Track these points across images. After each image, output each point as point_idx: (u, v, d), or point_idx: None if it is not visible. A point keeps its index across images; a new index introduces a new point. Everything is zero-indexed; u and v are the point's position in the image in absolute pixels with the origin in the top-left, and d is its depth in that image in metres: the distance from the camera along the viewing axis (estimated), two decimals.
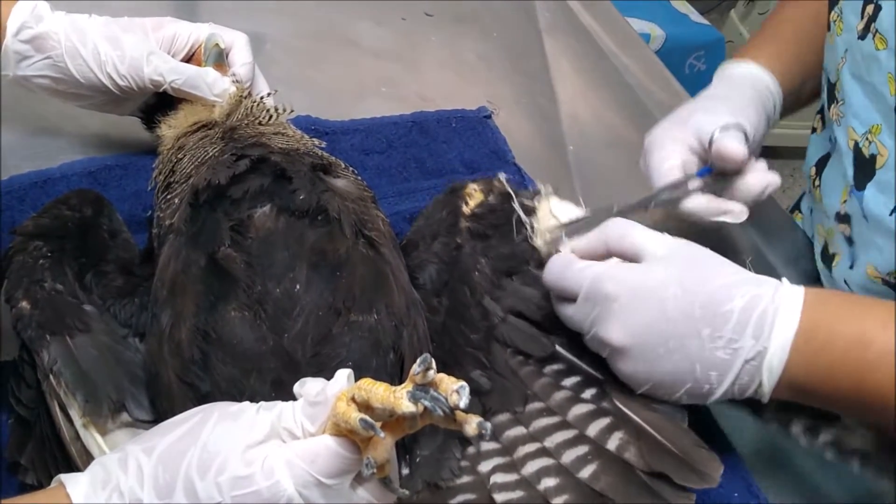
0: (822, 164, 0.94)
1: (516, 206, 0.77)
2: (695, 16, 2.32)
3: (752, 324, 0.63)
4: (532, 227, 0.76)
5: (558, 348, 0.72)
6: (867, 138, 0.82)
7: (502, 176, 0.80)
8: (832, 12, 0.87)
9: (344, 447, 0.50)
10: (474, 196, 0.79)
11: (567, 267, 0.68)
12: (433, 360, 0.48)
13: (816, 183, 0.95)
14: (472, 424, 0.49)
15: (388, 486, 0.52)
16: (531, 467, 0.66)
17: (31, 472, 0.63)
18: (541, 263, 0.74)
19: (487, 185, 0.80)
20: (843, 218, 0.87)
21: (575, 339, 0.71)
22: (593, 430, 0.67)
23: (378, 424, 0.48)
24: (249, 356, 0.62)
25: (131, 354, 0.67)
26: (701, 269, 0.66)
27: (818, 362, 0.63)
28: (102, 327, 0.67)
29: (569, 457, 0.66)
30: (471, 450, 0.67)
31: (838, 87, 0.86)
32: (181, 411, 0.54)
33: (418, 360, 0.48)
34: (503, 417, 0.68)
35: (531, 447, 0.67)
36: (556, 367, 0.71)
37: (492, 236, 0.77)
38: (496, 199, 0.79)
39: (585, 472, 0.65)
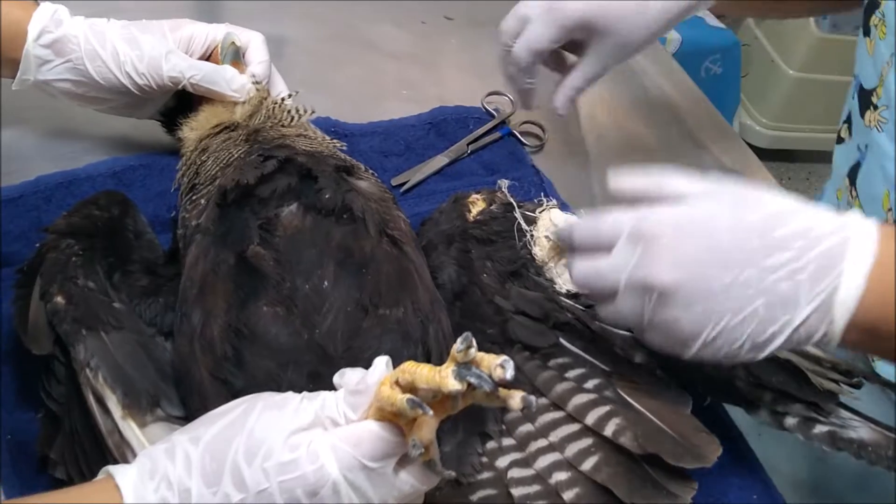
0: (854, 174, 0.92)
1: (517, 215, 0.78)
2: (711, 19, 2.31)
3: (817, 252, 0.56)
4: (532, 237, 0.78)
5: (562, 341, 0.73)
6: None
7: (505, 185, 0.82)
8: (873, 17, 0.85)
9: (388, 430, 0.51)
10: (477, 204, 0.81)
11: (598, 221, 0.61)
12: (473, 339, 0.48)
13: (854, 193, 0.92)
14: (515, 399, 0.49)
15: (432, 469, 0.52)
16: (542, 462, 0.67)
17: (61, 467, 0.65)
18: (539, 271, 0.76)
19: (490, 194, 0.82)
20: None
21: (579, 334, 0.73)
22: (592, 418, 0.67)
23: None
24: (285, 350, 0.63)
25: (160, 352, 0.68)
26: (753, 197, 0.59)
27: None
28: (132, 325, 0.68)
29: (572, 450, 0.66)
30: (490, 445, 0.68)
31: (878, 92, 0.85)
32: (214, 407, 0.55)
33: (459, 339, 0.48)
34: (514, 414, 0.69)
35: (541, 442, 0.68)
36: (560, 360, 0.73)
37: (495, 241, 0.79)
38: (499, 207, 0.80)
39: (588, 465, 0.65)
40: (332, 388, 0.54)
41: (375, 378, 0.51)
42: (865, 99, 0.88)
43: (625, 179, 0.63)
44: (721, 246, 0.57)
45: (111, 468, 0.53)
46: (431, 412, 0.48)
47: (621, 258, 0.59)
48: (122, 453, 0.62)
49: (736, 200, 0.59)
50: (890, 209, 0.85)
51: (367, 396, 0.51)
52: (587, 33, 0.83)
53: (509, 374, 0.48)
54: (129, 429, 0.62)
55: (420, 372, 0.49)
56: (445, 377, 0.48)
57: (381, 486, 0.51)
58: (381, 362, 0.52)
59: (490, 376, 0.48)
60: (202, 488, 0.50)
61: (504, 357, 0.49)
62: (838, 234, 0.56)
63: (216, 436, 0.52)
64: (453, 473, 0.53)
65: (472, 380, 0.48)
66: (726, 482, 0.74)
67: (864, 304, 0.56)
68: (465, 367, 0.48)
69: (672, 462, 0.64)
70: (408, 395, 0.49)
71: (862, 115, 0.89)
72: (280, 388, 0.61)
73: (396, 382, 0.50)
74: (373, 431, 0.51)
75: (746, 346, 0.58)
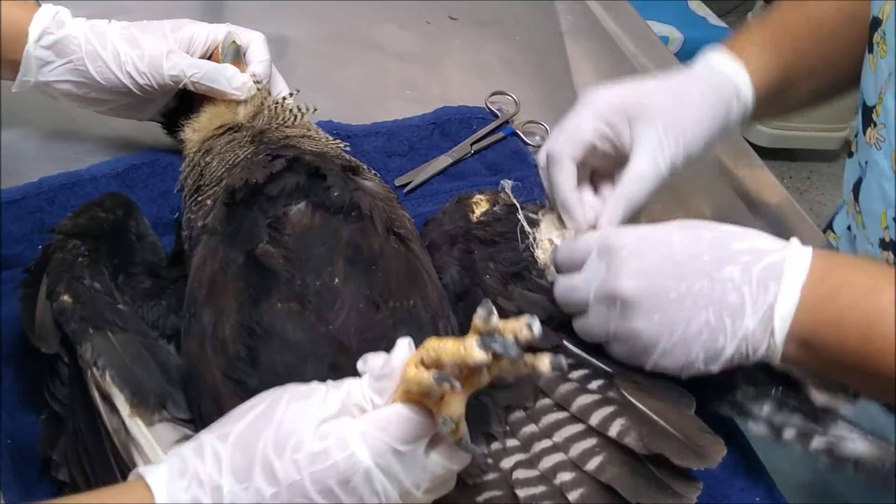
0: (857, 190, 0.91)
1: (520, 216, 0.78)
2: (713, 18, 2.32)
3: (761, 267, 0.62)
4: (535, 239, 0.78)
5: (566, 343, 0.73)
6: None
7: (508, 186, 0.82)
8: (875, 34, 0.84)
9: (416, 411, 0.50)
10: (480, 205, 0.81)
11: (573, 244, 0.71)
12: (493, 306, 0.48)
13: (858, 209, 0.92)
14: (544, 362, 0.48)
15: (463, 446, 0.51)
16: (547, 462, 0.66)
17: (64, 468, 0.64)
18: (540, 274, 0.76)
19: (493, 195, 0.82)
20: (888, 245, 0.84)
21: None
22: (596, 418, 0.67)
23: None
24: (304, 343, 0.63)
25: (164, 355, 0.68)
26: (704, 223, 0.67)
27: (827, 309, 0.62)
28: (136, 327, 0.68)
29: (576, 450, 0.66)
30: (494, 446, 0.68)
31: (878, 110, 0.84)
32: (228, 408, 0.55)
33: (480, 306, 0.48)
34: (517, 415, 0.69)
35: (545, 443, 0.67)
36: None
37: (498, 243, 0.78)
38: (502, 208, 0.80)
39: (592, 465, 0.65)
40: (354, 375, 0.54)
41: (399, 360, 0.51)
42: (867, 115, 0.86)
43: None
44: (676, 258, 0.64)
45: (141, 469, 0.53)
46: (459, 385, 0.48)
47: (591, 272, 0.67)
48: (128, 451, 0.62)
49: (692, 223, 0.67)
50: (887, 227, 0.84)
51: (392, 380, 0.51)
52: (629, 120, 0.77)
53: (536, 330, 0.47)
54: (137, 426, 0.62)
55: (444, 347, 0.48)
56: (470, 348, 0.47)
57: (412, 469, 0.51)
58: (404, 343, 0.52)
59: (516, 340, 0.47)
60: (234, 485, 0.50)
61: (527, 316, 0.48)
62: (780, 253, 0.63)
63: (244, 431, 0.52)
64: (485, 450, 0.52)
65: (497, 347, 0.47)
66: (728, 484, 0.73)
67: (799, 315, 0.62)
68: (488, 335, 0.47)
69: (678, 462, 0.64)
70: (436, 373, 0.48)
71: (864, 132, 0.88)
72: (303, 381, 0.60)
73: (421, 362, 0.50)
74: (401, 414, 0.50)
75: (700, 357, 0.64)
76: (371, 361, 0.53)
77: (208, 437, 0.53)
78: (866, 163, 0.87)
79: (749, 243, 0.64)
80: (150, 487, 0.51)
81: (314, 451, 0.50)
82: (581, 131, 0.76)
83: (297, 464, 0.50)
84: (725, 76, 0.81)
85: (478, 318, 0.48)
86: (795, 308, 0.62)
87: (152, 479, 0.52)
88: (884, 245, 0.86)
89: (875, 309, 0.61)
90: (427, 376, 0.48)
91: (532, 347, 0.49)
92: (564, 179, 0.76)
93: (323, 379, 0.55)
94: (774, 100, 0.85)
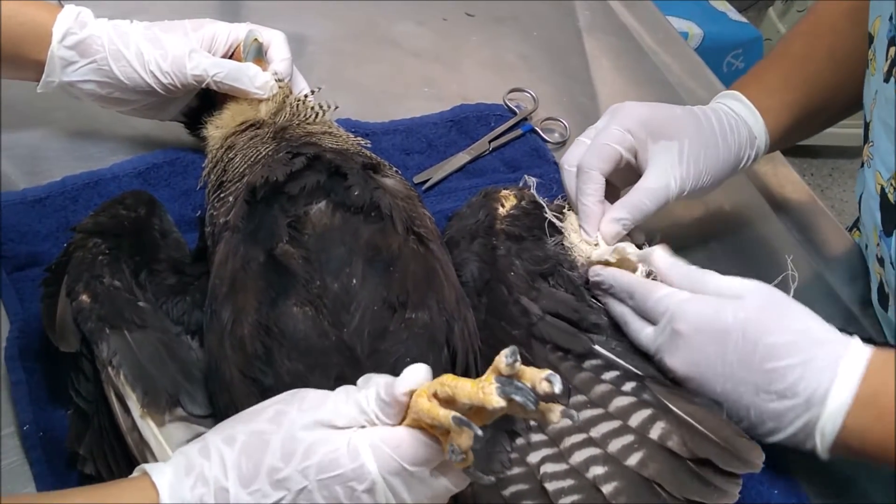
0: (860, 202, 0.91)
1: (548, 214, 0.80)
2: (733, 14, 2.30)
3: (805, 386, 0.65)
4: (563, 236, 0.79)
5: (596, 347, 0.74)
6: (892, 184, 0.78)
7: (532, 182, 0.83)
8: (870, 50, 0.83)
9: (428, 436, 0.51)
10: (509, 199, 0.81)
11: (649, 294, 0.72)
12: (518, 351, 0.49)
13: (861, 222, 0.92)
14: (555, 413, 0.49)
15: (471, 475, 0.52)
16: (579, 456, 0.67)
17: (90, 463, 0.65)
18: (572, 266, 0.78)
19: (519, 191, 0.82)
20: (880, 261, 0.84)
21: (611, 339, 0.74)
22: (635, 420, 0.69)
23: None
24: (313, 352, 0.63)
25: (185, 351, 0.68)
26: (769, 319, 0.67)
27: (874, 429, 0.64)
28: (157, 324, 0.68)
29: (615, 445, 0.67)
30: (519, 441, 0.68)
31: (871, 127, 0.83)
32: (244, 405, 0.55)
33: (506, 352, 0.48)
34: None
35: (577, 437, 0.68)
36: (594, 362, 0.73)
37: (526, 238, 0.79)
38: (528, 204, 0.81)
39: (633, 460, 0.66)
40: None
41: (403, 389, 0.51)
42: (865, 132, 0.85)
43: (671, 268, 0.73)
44: (725, 359, 0.67)
45: (147, 466, 0.54)
46: (480, 432, 0.48)
47: (652, 338, 0.71)
48: (140, 452, 0.63)
49: (757, 316, 0.67)
50: (878, 244, 0.84)
51: (397, 406, 0.51)
52: (652, 136, 0.79)
53: (557, 388, 0.48)
54: (148, 428, 0.63)
55: (462, 387, 0.49)
56: (489, 394, 0.48)
57: (417, 487, 0.52)
58: (413, 374, 0.52)
59: (533, 390, 0.48)
60: (239, 489, 0.51)
61: (549, 371, 0.48)
62: (829, 370, 0.64)
63: (252, 436, 0.52)
64: (493, 479, 0.53)
65: (518, 398, 0.48)
66: (750, 482, 0.73)
67: (844, 433, 0.65)
68: (507, 380, 0.48)
69: (724, 467, 0.65)
70: (452, 413, 0.48)
71: (863, 146, 0.87)
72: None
73: (435, 395, 0.50)
74: (414, 436, 0.51)
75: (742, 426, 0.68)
76: (374, 381, 0.53)
77: (214, 439, 0.53)
78: (864, 179, 0.87)
79: (801, 357, 0.65)
80: (155, 486, 0.52)
81: (323, 459, 0.50)
82: (610, 145, 0.79)
83: (305, 471, 0.50)
84: (746, 126, 0.85)
85: (502, 362, 0.49)
86: (839, 428, 0.65)
87: (158, 478, 0.52)
88: (879, 261, 0.85)
89: None
90: (444, 414, 0.49)
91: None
92: (592, 191, 0.79)
93: (328, 390, 0.55)
94: (787, 139, 0.90)
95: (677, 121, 0.80)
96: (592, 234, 0.79)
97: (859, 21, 0.85)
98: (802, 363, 0.65)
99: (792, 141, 0.93)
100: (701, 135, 0.81)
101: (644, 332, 0.72)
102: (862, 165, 0.92)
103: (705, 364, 0.68)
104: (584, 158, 0.79)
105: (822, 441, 0.65)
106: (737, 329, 0.67)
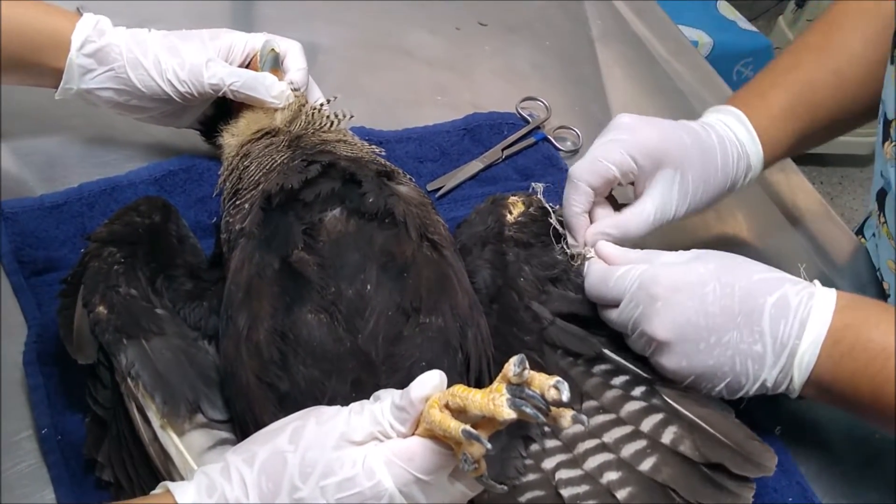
0: (881, 199, 0.91)
1: (553, 220, 0.80)
2: (743, 22, 2.30)
3: (786, 319, 0.66)
4: (568, 242, 0.79)
5: (606, 351, 0.74)
6: None
7: (540, 189, 0.83)
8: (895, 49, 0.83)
9: (441, 444, 0.51)
10: (517, 206, 0.81)
11: (607, 276, 0.72)
12: (526, 361, 0.49)
13: (882, 219, 0.91)
14: (566, 418, 0.50)
15: (483, 483, 0.53)
16: (592, 462, 0.68)
17: (108, 469, 0.66)
18: (579, 272, 0.78)
19: (527, 197, 0.83)
20: None
21: (619, 340, 0.74)
22: (647, 425, 0.69)
23: (475, 430, 0.49)
24: (329, 357, 0.63)
25: (203, 356, 0.69)
26: (737, 265, 0.70)
27: (843, 366, 0.65)
28: (175, 330, 0.69)
29: (628, 451, 0.68)
30: (534, 447, 0.69)
31: (893, 125, 0.82)
32: (260, 410, 0.56)
33: (515, 361, 0.49)
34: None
35: (591, 443, 0.69)
36: (604, 367, 0.74)
37: (534, 245, 0.79)
38: (536, 210, 0.81)
39: (646, 465, 0.67)
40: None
41: (418, 394, 0.52)
42: (886, 128, 0.85)
43: (623, 252, 0.75)
44: (709, 310, 0.67)
45: (169, 484, 0.54)
46: (490, 446, 0.49)
47: (626, 314, 0.71)
48: (163, 463, 0.63)
49: (724, 264, 0.70)
50: None
51: (412, 412, 0.52)
52: (656, 163, 0.78)
53: (565, 396, 0.48)
54: (168, 438, 0.63)
55: (473, 399, 0.50)
56: (500, 406, 0.49)
57: (434, 494, 0.52)
58: (428, 379, 0.52)
59: (543, 397, 0.49)
60: None
61: (557, 378, 0.49)
62: (805, 304, 0.67)
63: (270, 456, 0.53)
64: (505, 487, 0.54)
65: (528, 410, 0.49)
66: (761, 483, 0.73)
67: (818, 367, 0.66)
68: (518, 389, 0.49)
69: (736, 472, 0.66)
70: (462, 426, 0.49)
71: (882, 145, 0.86)
72: (324, 396, 0.62)
73: (446, 406, 0.51)
74: (425, 446, 0.52)
75: (724, 392, 0.70)
76: (390, 391, 0.54)
77: (234, 459, 0.54)
78: (886, 176, 0.87)
79: (778, 294, 0.67)
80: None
81: (341, 478, 0.51)
82: (606, 165, 0.77)
83: (324, 490, 0.51)
84: (746, 157, 0.84)
85: (510, 370, 0.49)
86: (813, 365, 0.66)
87: (181, 497, 0.53)
88: None
89: (886, 374, 0.64)
90: (455, 426, 0.49)
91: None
92: (576, 202, 0.78)
93: (345, 395, 0.56)
94: (784, 157, 0.90)
95: (684, 151, 0.79)
96: (578, 242, 0.78)
97: (872, 42, 0.85)
98: (779, 298, 0.67)
99: (786, 157, 0.94)
100: (704, 168, 0.80)
101: (613, 313, 0.72)
102: (874, 163, 0.92)
103: (686, 322, 0.68)
104: (575, 168, 0.78)
105: (799, 375, 0.67)
106: (712, 278, 0.68)
